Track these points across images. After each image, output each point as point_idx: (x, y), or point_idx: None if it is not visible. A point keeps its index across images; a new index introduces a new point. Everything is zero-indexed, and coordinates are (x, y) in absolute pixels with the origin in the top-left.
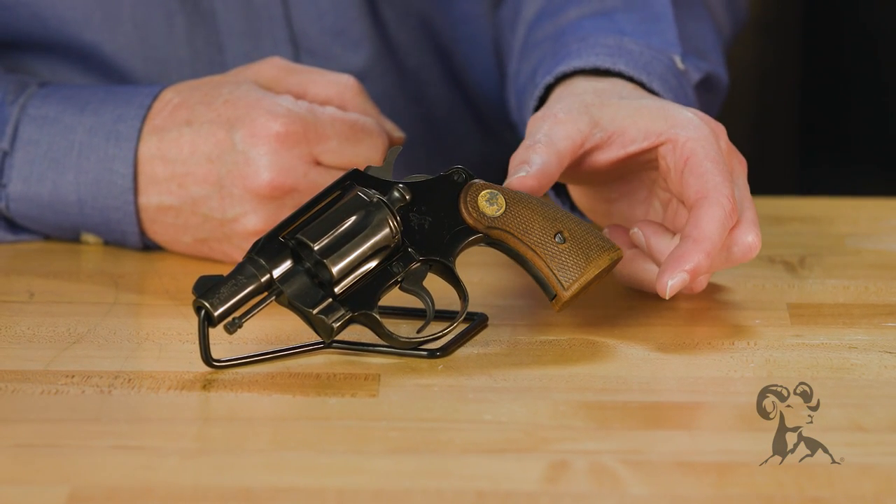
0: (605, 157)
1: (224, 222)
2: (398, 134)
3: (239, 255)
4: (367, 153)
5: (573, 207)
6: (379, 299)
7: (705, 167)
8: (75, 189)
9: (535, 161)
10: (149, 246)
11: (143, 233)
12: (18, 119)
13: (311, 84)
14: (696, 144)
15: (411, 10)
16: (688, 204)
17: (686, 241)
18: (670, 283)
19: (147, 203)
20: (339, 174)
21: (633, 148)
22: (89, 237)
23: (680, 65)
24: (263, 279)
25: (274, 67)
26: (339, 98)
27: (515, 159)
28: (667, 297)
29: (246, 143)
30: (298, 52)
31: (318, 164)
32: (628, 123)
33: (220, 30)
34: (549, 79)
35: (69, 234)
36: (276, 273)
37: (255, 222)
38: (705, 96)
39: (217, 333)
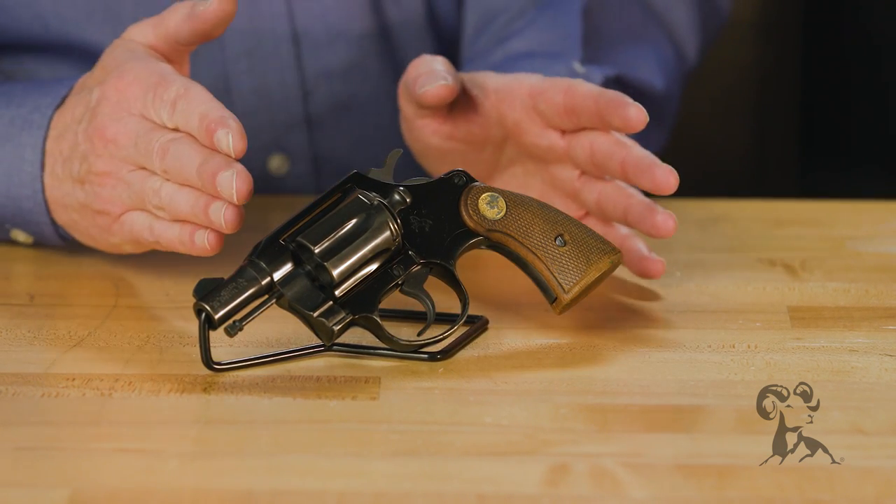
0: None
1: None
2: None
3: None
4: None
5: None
6: (379, 302)
7: (590, 87)
8: None
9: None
10: (65, 238)
11: (53, 222)
12: None
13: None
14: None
15: (413, 12)
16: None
17: (631, 148)
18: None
19: (51, 192)
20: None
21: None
22: (19, 234)
23: (579, 69)
24: (264, 282)
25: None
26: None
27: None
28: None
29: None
30: (300, 50)
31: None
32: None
33: None
34: None
35: (0, 232)
36: (277, 276)
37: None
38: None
39: (217, 336)
